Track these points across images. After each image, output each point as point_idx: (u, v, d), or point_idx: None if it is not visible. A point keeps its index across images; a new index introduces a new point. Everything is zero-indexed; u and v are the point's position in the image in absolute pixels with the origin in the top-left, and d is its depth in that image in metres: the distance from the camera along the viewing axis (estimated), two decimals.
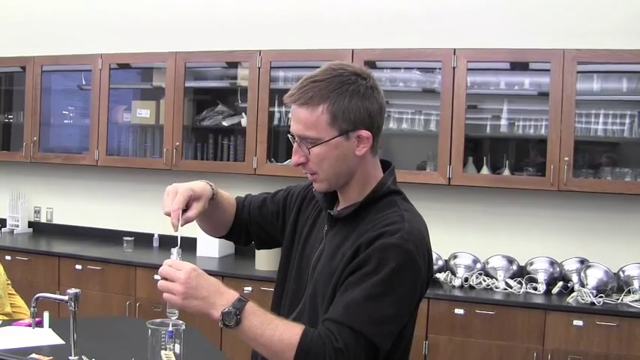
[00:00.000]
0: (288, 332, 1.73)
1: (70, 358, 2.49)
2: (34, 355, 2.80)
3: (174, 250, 1.86)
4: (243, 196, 2.28)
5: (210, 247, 5.21)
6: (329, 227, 1.95)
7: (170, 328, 2.55)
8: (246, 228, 2.22)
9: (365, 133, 1.84)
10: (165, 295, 1.76)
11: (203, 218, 2.09)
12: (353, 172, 1.89)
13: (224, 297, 1.74)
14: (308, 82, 1.83)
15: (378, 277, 1.74)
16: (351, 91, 1.81)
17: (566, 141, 4.40)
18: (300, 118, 1.83)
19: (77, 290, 2.56)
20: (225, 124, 5.40)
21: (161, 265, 1.78)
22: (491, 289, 4.52)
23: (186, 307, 1.76)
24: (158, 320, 2.63)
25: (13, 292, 3.93)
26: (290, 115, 1.93)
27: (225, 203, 2.15)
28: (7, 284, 3.93)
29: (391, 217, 1.84)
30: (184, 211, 1.93)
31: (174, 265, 1.77)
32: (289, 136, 1.89)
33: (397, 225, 1.80)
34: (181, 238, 1.90)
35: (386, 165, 1.98)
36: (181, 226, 1.90)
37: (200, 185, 1.99)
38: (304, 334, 1.72)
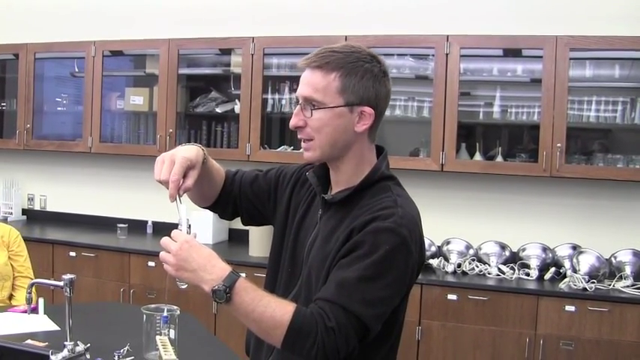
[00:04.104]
0: (279, 310, 1.74)
1: (65, 343, 2.49)
2: (29, 341, 2.82)
3: (183, 223, 1.87)
4: (233, 170, 2.27)
5: (204, 233, 5.21)
6: (323, 211, 1.95)
7: (165, 314, 2.57)
8: (234, 201, 2.20)
9: (368, 110, 1.86)
10: (164, 265, 1.79)
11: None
12: (348, 148, 1.89)
13: (214, 272, 1.75)
14: (326, 51, 1.86)
15: (371, 259, 1.75)
16: (365, 68, 1.84)
17: (558, 127, 4.41)
18: (311, 81, 1.85)
19: (72, 276, 2.56)
20: (218, 110, 5.40)
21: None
22: (483, 274, 4.55)
23: (179, 278, 1.79)
24: (153, 306, 2.65)
25: (23, 287, 3.90)
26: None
27: (215, 171, 2.13)
28: (22, 276, 3.93)
29: (384, 201, 1.85)
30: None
31: (173, 236, 1.80)
32: (294, 100, 1.91)
33: (390, 210, 1.82)
34: (180, 211, 1.89)
35: (379, 150, 1.99)
36: (180, 196, 1.89)
37: (193, 152, 1.96)
38: (296, 312, 1.74)
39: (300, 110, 1.87)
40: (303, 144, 1.92)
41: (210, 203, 2.22)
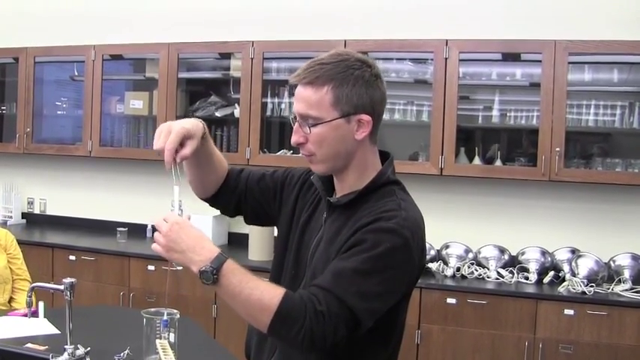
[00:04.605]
0: (268, 293, 1.74)
1: (65, 347, 2.50)
2: (29, 345, 2.82)
3: (175, 204, 1.88)
4: (238, 167, 2.27)
5: None
6: (328, 214, 1.97)
7: (165, 318, 2.57)
8: (239, 198, 2.20)
9: (365, 117, 1.87)
10: (152, 245, 1.81)
11: (192, 164, 2.09)
12: (351, 157, 1.91)
13: (202, 253, 1.75)
14: (314, 64, 1.86)
15: (370, 254, 1.76)
16: (355, 76, 1.84)
17: (557, 131, 4.42)
18: (304, 98, 1.86)
19: (73, 279, 2.57)
20: (218, 114, 5.40)
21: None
22: (483, 278, 4.55)
23: (169, 259, 1.80)
24: (153, 309, 2.65)
25: (23, 289, 3.94)
26: (290, 101, 1.94)
27: (216, 157, 2.14)
28: (21, 278, 3.97)
29: (388, 204, 1.86)
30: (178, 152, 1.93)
31: (165, 217, 1.81)
32: (291, 117, 1.92)
33: (394, 212, 1.83)
34: (174, 192, 1.91)
35: (384, 156, 2.00)
36: (177, 164, 1.91)
37: (192, 122, 1.98)
38: (285, 296, 1.73)
39: (299, 127, 1.89)
40: (306, 158, 1.94)
41: (210, 194, 2.22)
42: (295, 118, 1.90)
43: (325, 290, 1.74)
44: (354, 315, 1.73)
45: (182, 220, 1.81)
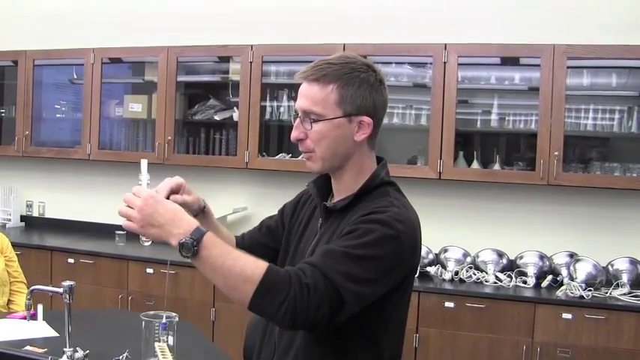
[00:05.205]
0: (251, 264, 1.70)
1: (64, 349, 2.50)
2: (28, 347, 2.83)
3: (143, 178, 1.89)
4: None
5: None
6: (323, 220, 1.98)
7: (163, 321, 2.57)
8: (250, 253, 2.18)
9: (367, 119, 1.90)
10: (124, 222, 1.76)
11: None
12: (348, 158, 1.93)
13: (181, 226, 1.71)
14: (322, 63, 1.90)
15: (360, 240, 1.76)
16: (361, 78, 1.88)
17: (556, 136, 4.43)
18: (309, 94, 1.88)
19: (72, 282, 2.57)
20: (217, 118, 5.40)
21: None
22: (481, 282, 4.55)
23: (144, 234, 1.76)
24: (152, 312, 2.66)
25: (21, 291, 3.95)
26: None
27: (221, 228, 2.17)
28: (17, 281, 3.98)
29: (381, 203, 1.88)
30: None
31: (135, 191, 1.78)
32: (292, 113, 1.94)
33: (387, 208, 1.85)
34: (142, 165, 1.95)
35: (378, 160, 2.02)
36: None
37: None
38: (270, 268, 1.70)
39: (299, 123, 1.91)
40: (305, 155, 1.95)
41: None
42: (297, 114, 1.92)
43: (313, 266, 1.72)
44: (339, 294, 1.71)
45: (155, 193, 1.79)
